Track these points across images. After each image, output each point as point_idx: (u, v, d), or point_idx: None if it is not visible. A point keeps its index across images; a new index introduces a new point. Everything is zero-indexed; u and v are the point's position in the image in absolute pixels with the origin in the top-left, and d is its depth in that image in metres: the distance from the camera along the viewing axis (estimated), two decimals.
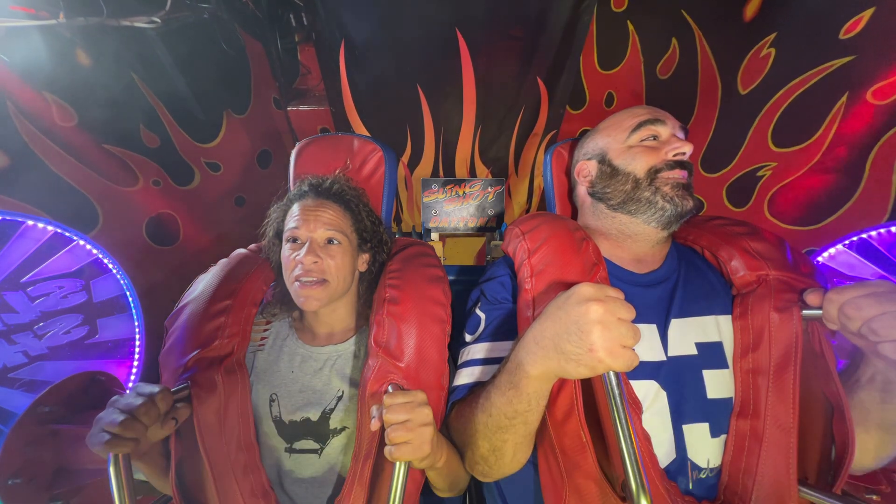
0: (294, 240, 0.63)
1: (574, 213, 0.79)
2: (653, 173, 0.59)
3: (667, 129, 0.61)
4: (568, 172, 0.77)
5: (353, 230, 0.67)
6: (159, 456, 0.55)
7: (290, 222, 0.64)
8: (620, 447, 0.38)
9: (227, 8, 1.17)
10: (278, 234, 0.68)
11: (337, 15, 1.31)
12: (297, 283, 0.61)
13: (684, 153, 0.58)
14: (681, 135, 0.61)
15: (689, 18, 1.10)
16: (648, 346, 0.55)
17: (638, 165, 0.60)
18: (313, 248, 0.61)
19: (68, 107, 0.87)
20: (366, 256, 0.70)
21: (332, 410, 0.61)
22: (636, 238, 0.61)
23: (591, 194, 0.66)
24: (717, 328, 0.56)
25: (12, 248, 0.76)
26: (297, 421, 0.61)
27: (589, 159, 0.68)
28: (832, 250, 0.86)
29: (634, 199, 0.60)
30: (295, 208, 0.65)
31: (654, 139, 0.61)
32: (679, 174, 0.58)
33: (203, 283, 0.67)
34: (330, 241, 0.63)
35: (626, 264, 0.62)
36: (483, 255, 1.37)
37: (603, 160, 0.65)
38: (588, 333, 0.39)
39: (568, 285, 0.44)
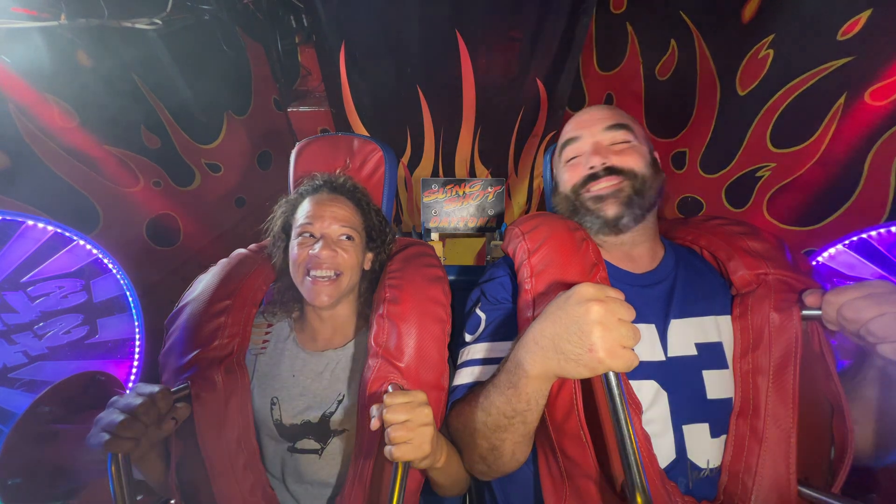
0: (308, 234, 0.63)
1: None
2: (577, 189, 0.63)
3: (585, 143, 0.63)
4: None
5: (364, 228, 0.67)
6: (159, 457, 0.55)
7: (302, 217, 0.64)
8: (620, 447, 0.38)
9: (227, 9, 1.17)
10: (285, 229, 0.68)
11: (337, 16, 1.32)
12: (308, 279, 0.61)
13: (593, 166, 0.61)
14: (605, 137, 0.62)
15: (687, 20, 1.10)
16: (648, 347, 0.55)
17: (564, 184, 0.66)
18: (328, 243, 0.61)
19: (69, 108, 0.87)
20: (370, 255, 0.70)
21: (332, 413, 0.61)
22: (608, 243, 0.64)
23: (555, 209, 0.72)
24: (717, 328, 0.56)
25: (12, 248, 0.76)
26: (298, 424, 0.61)
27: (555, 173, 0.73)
28: (832, 250, 0.86)
29: (574, 212, 0.64)
30: (307, 203, 0.65)
31: (577, 157, 0.64)
32: (602, 183, 0.60)
33: (203, 283, 0.67)
34: (344, 237, 0.63)
35: (620, 264, 0.62)
36: (483, 256, 1.37)
37: (554, 177, 0.71)
38: (588, 334, 0.39)
39: (568, 285, 0.44)
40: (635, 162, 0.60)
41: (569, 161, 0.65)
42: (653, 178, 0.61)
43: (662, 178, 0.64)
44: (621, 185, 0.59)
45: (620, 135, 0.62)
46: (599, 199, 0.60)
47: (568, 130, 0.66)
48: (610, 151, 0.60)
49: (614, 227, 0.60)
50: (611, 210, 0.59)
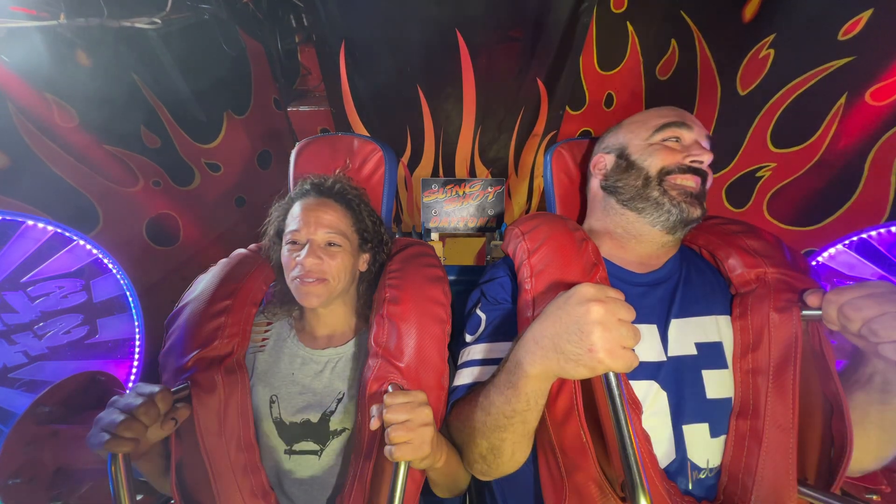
0: (294, 241, 0.63)
1: (576, 214, 0.79)
2: (664, 174, 0.59)
3: (692, 134, 0.61)
4: (578, 168, 0.78)
5: (354, 230, 0.67)
6: (159, 456, 0.55)
7: (291, 223, 0.64)
8: (620, 447, 0.38)
9: (227, 8, 1.17)
10: (279, 234, 0.68)
11: (337, 16, 1.32)
12: (297, 281, 0.61)
13: (702, 161, 0.58)
14: (705, 143, 0.61)
15: (688, 19, 1.10)
16: (648, 347, 0.55)
17: (653, 162, 0.60)
18: (314, 249, 0.61)
19: (69, 107, 0.87)
20: (366, 256, 0.70)
21: (332, 413, 0.61)
22: (641, 239, 0.61)
23: (604, 187, 0.66)
24: (717, 328, 0.56)
25: (12, 248, 0.76)
26: (298, 422, 0.61)
27: (608, 153, 0.68)
28: (832, 250, 0.86)
29: (643, 196, 0.60)
30: (296, 208, 0.65)
31: (677, 141, 0.61)
32: (691, 180, 0.58)
33: (203, 284, 0.67)
34: (330, 243, 0.63)
35: (628, 265, 0.62)
36: (483, 256, 1.37)
37: (621, 154, 0.65)
38: (588, 334, 0.39)
39: (568, 285, 0.44)
40: (709, 182, 0.61)
41: (665, 141, 0.61)
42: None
43: None
44: (700, 190, 0.59)
45: (711, 151, 0.61)
46: (688, 195, 0.58)
47: (669, 114, 0.63)
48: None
49: (684, 226, 0.59)
50: (697, 211, 0.58)
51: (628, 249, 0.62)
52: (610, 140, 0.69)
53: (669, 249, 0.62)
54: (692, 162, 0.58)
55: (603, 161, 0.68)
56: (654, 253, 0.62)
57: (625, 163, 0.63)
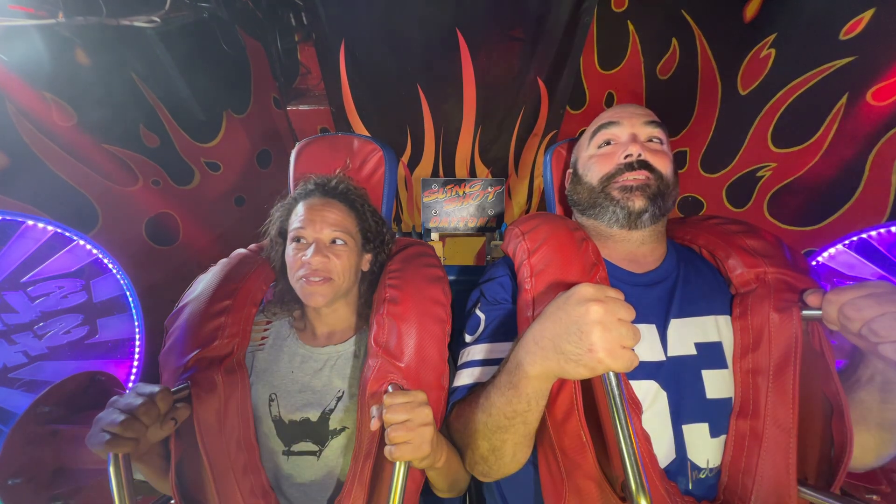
0: (299, 239, 0.63)
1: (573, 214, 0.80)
2: (605, 180, 0.61)
3: (623, 130, 0.62)
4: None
5: (358, 230, 0.67)
6: (159, 457, 0.55)
7: (296, 222, 0.64)
8: (620, 447, 0.38)
9: (226, 7, 1.17)
10: (281, 233, 0.68)
11: (337, 14, 1.31)
12: (303, 280, 0.61)
13: (631, 155, 0.59)
14: (643, 131, 0.61)
15: (689, 19, 1.10)
16: (648, 347, 0.55)
17: (592, 174, 0.63)
18: (320, 248, 0.61)
19: (68, 106, 0.87)
20: (368, 256, 0.70)
21: (331, 411, 0.61)
22: (614, 239, 0.63)
23: (569, 201, 0.71)
24: (717, 328, 0.56)
25: (12, 248, 0.76)
26: (297, 421, 0.61)
27: (570, 168, 0.72)
28: (832, 250, 0.86)
29: (593, 204, 0.63)
30: (300, 207, 0.65)
31: (609, 143, 0.63)
32: (632, 176, 0.59)
33: (203, 283, 0.67)
34: (335, 241, 0.63)
35: (622, 264, 0.62)
36: (483, 255, 1.37)
37: (574, 170, 0.69)
38: (588, 334, 0.39)
39: (568, 285, 0.44)
40: (664, 165, 0.60)
41: (600, 147, 0.63)
42: (674, 184, 0.61)
43: (678, 186, 0.63)
44: (649, 181, 0.59)
45: (657, 132, 0.62)
46: (628, 189, 0.59)
47: (604, 117, 0.65)
48: (645, 147, 0.60)
49: (636, 220, 0.59)
50: (638, 202, 0.58)
51: (611, 248, 0.63)
52: (572, 154, 0.74)
53: (653, 246, 0.63)
54: (625, 158, 0.59)
55: (568, 177, 0.73)
56: (637, 251, 0.62)
57: (576, 177, 0.68)
